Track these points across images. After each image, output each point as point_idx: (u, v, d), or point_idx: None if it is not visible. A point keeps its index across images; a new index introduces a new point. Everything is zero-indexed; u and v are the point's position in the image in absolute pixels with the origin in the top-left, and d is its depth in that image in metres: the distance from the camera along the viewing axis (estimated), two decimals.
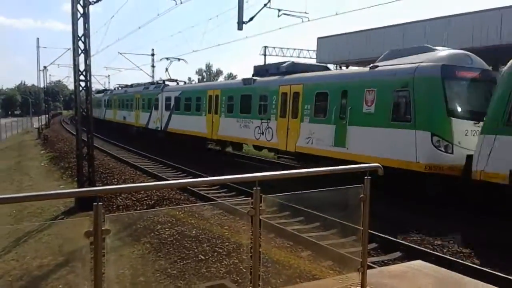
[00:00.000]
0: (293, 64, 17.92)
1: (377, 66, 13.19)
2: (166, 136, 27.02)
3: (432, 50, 12.60)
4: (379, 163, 4.27)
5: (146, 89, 31.49)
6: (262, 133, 17.58)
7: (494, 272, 7.36)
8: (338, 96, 13.99)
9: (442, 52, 12.50)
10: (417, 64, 11.97)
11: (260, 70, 19.43)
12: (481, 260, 8.26)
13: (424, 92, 11.66)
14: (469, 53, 12.51)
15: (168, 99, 26.79)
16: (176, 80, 30.08)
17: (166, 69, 34.92)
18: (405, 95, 11.90)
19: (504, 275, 7.21)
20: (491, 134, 9.98)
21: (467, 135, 11.35)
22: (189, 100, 24.12)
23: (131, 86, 38.56)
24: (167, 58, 32.89)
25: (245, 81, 19.29)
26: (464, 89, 12.08)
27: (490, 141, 9.95)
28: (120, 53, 43.54)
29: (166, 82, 29.66)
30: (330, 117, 14.25)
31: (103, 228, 3.05)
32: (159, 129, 27.80)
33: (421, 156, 11.42)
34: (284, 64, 17.87)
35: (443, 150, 11.27)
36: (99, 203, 3.02)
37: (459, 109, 11.73)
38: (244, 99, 19.07)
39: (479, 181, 10.16)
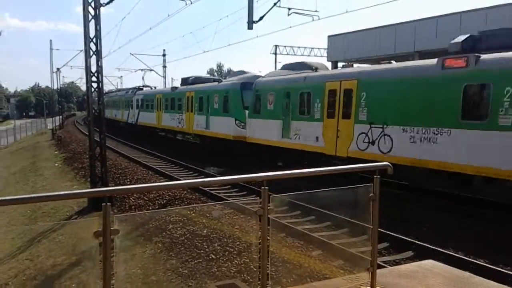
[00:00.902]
0: (196, 77, 27.45)
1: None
2: (138, 127, 36.96)
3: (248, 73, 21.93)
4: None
5: (127, 93, 42.54)
6: (179, 122, 27.09)
7: (506, 271, 7.29)
8: (200, 100, 23.72)
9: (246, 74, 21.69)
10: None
11: (185, 80, 28.22)
12: (493, 259, 8.16)
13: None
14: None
15: (137, 100, 37.55)
16: (149, 86, 41.23)
17: (142, 77, 48.07)
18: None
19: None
20: (249, 118, 18.90)
21: None
22: (148, 101, 34.38)
23: (119, 90, 51.59)
24: (142, 70, 47.36)
25: (172, 89, 29.91)
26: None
27: (249, 121, 18.96)
28: (132, 54, 43.97)
29: (143, 88, 40.73)
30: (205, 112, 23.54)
31: (112, 228, 3.08)
32: (133, 122, 38.19)
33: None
34: (191, 78, 27.57)
35: (241, 127, 19.82)
36: (108, 204, 3.05)
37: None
38: (172, 100, 28.59)
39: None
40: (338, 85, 14.44)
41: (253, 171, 4.07)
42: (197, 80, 26.69)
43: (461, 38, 11.35)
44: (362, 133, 13.25)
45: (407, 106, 11.98)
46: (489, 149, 10.07)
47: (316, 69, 16.42)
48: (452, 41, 11.47)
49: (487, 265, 7.64)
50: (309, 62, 18.31)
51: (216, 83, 24.55)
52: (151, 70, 45.07)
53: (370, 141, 13.02)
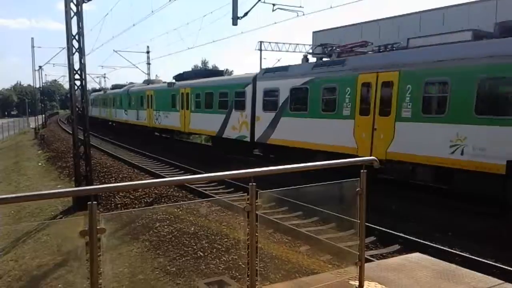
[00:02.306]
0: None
1: None
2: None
3: None
4: None
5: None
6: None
7: (491, 262, 7.41)
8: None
9: None
10: None
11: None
12: (479, 251, 8.29)
13: None
14: None
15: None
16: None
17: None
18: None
19: (500, 265, 7.26)
20: None
21: None
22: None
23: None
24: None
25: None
26: None
27: None
28: (115, 51, 43.47)
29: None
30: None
31: (98, 227, 3.03)
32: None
33: None
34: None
35: None
36: (94, 202, 3.01)
37: None
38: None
39: None
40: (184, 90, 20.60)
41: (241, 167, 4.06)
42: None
43: None
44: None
45: None
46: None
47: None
48: None
49: (472, 257, 7.75)
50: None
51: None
52: (135, 67, 44.45)
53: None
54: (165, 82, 29.27)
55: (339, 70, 13.94)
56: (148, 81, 37.73)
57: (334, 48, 15.22)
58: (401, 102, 11.93)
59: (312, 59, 16.68)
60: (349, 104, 13.46)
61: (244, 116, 18.40)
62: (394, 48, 13.14)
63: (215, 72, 27.28)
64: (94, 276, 3.06)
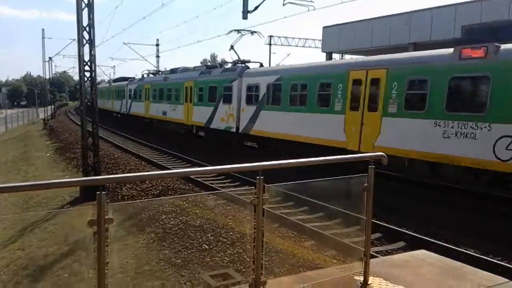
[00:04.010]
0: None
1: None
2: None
3: None
4: None
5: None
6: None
7: (496, 261, 7.38)
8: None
9: None
10: None
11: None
12: (484, 249, 8.26)
13: None
14: None
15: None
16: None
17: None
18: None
19: (504, 264, 7.23)
20: None
21: None
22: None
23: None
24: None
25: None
26: None
27: None
28: (125, 43, 43.60)
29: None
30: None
31: (106, 217, 3.05)
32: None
33: None
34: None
35: None
36: (103, 192, 3.03)
37: None
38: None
39: None
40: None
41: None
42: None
43: None
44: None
45: None
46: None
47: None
48: None
49: (478, 255, 7.73)
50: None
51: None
52: (145, 59, 44.42)
53: None
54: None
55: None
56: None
57: None
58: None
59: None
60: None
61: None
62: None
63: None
64: (101, 266, 3.08)
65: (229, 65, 22.27)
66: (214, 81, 21.78)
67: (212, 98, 21.71)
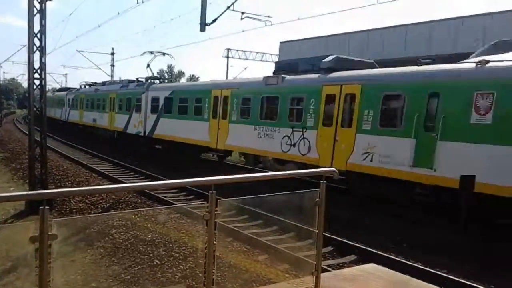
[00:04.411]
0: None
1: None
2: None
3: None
4: None
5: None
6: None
7: (444, 274, 7.64)
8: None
9: None
10: None
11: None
12: (432, 261, 8.54)
13: None
14: None
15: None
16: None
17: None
18: None
19: (450, 276, 7.50)
20: None
21: None
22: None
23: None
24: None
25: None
26: None
27: None
28: (78, 51, 42.49)
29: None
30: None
31: (49, 233, 2.92)
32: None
33: None
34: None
35: None
36: (46, 207, 2.90)
37: None
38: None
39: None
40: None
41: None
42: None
43: None
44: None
45: None
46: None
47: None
48: None
49: (424, 267, 7.97)
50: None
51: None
52: (98, 68, 43.51)
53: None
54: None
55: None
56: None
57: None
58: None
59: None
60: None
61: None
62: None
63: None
64: (43, 283, 2.94)
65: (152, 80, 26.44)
66: (130, 93, 25.88)
67: (128, 108, 25.69)
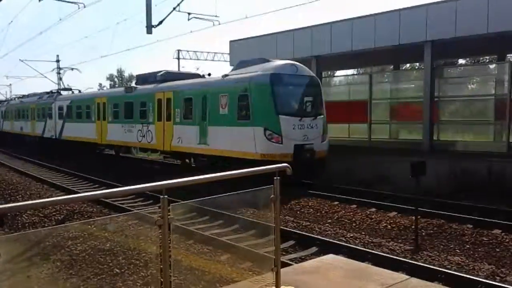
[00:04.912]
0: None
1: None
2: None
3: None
4: None
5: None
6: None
7: (401, 259, 7.88)
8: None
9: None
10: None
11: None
12: (391, 248, 8.79)
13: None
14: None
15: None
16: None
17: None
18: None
19: (408, 260, 7.75)
20: None
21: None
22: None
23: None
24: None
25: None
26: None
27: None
28: (22, 60, 40.81)
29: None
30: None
31: None
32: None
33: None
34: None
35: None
36: None
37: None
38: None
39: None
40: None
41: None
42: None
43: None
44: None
45: None
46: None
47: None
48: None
49: (383, 254, 8.20)
50: None
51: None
52: (72, 69, 41.82)
53: None
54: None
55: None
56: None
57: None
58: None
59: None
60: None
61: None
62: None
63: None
64: None
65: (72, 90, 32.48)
66: (44, 104, 31.39)
67: (43, 116, 31.01)
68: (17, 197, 14.68)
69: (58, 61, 48.06)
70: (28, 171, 20.24)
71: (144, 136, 19.74)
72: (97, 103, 23.94)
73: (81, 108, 25.83)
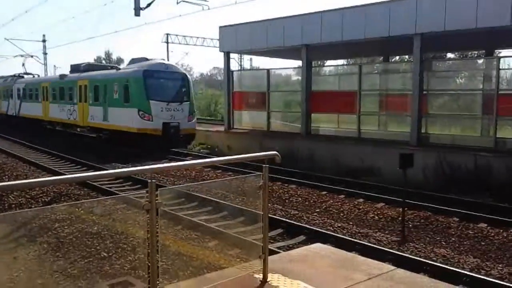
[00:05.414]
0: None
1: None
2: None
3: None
4: None
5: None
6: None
7: (388, 249, 7.98)
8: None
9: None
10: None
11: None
12: (378, 238, 8.89)
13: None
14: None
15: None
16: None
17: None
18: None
19: (394, 251, 7.85)
20: None
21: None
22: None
23: None
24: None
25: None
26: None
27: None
28: (7, 39, 40.24)
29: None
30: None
31: None
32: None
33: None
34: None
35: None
36: None
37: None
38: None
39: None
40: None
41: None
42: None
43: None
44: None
45: None
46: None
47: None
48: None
49: (370, 244, 8.29)
50: None
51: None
52: (31, 56, 41.48)
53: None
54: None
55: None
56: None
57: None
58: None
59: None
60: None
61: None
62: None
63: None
64: None
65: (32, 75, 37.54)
66: (7, 85, 37.11)
67: (7, 96, 36.99)
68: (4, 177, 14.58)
69: (44, 41, 47.41)
70: None
71: (71, 114, 25.51)
72: (42, 87, 29.89)
73: (32, 90, 31.92)
